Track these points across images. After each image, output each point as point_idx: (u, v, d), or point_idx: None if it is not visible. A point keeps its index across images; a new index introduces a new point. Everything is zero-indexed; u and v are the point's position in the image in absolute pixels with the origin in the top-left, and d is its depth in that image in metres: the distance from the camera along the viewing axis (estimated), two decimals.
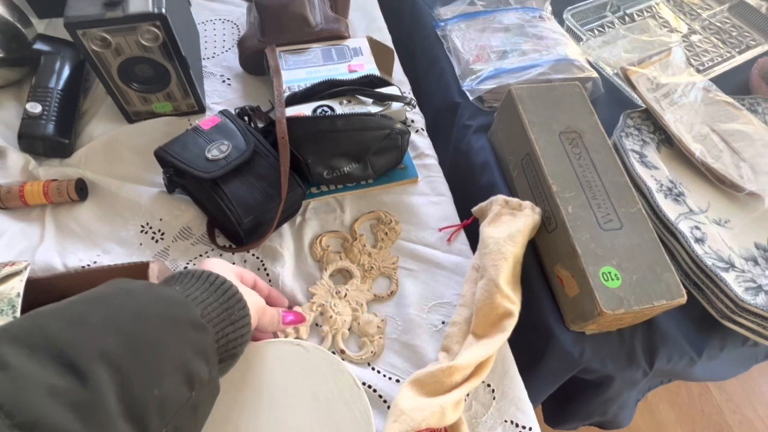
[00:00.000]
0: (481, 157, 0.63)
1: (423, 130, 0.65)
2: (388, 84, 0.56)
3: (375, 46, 0.66)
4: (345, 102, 0.54)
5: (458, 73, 0.70)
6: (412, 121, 0.65)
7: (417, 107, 0.67)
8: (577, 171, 0.52)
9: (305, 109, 0.53)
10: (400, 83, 0.70)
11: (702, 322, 0.51)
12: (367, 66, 0.62)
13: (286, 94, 0.57)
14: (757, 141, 0.61)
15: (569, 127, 0.55)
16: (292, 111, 0.53)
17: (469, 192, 0.63)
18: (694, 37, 0.84)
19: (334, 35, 0.65)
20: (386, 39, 0.76)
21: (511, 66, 0.68)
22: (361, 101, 0.54)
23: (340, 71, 0.62)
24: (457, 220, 0.58)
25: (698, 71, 0.75)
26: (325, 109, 0.53)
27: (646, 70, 0.64)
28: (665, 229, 0.53)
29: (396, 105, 0.54)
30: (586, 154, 0.54)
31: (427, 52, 0.77)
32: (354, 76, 0.57)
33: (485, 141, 0.65)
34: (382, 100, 0.53)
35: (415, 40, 0.81)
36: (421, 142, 0.64)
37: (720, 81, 0.75)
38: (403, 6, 0.85)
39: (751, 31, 0.85)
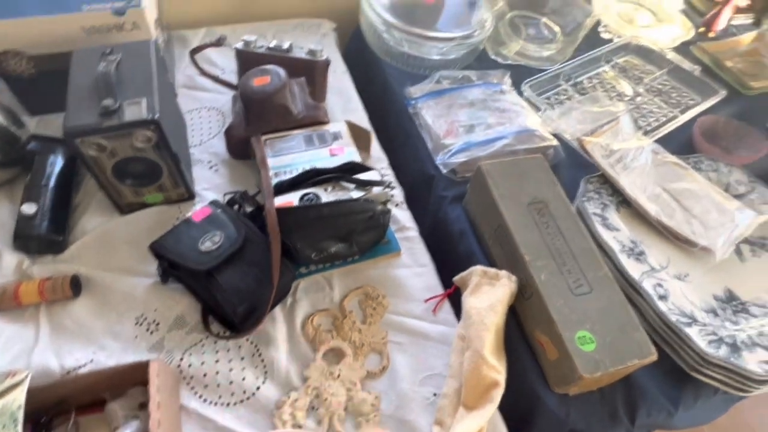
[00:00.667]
0: (458, 226, 0.68)
1: (403, 203, 0.70)
2: (368, 169, 0.60)
3: (353, 129, 0.71)
4: (330, 189, 0.58)
5: (430, 147, 0.76)
6: (392, 195, 0.70)
7: (396, 182, 0.72)
8: (547, 240, 0.57)
9: (293, 198, 0.57)
10: (378, 160, 0.75)
11: (675, 375, 0.54)
12: (346, 149, 0.67)
13: (274, 181, 0.61)
14: (704, 198, 0.67)
15: (536, 197, 0.61)
16: (281, 200, 0.57)
17: (448, 260, 0.67)
18: (639, 99, 0.93)
19: (315, 121, 0.70)
20: (362, 118, 0.82)
21: (479, 139, 0.74)
22: (344, 187, 0.58)
23: (322, 155, 0.66)
24: (440, 290, 0.61)
25: (646, 132, 0.83)
26: (312, 197, 0.57)
27: (599, 138, 0.70)
28: (631, 288, 0.57)
29: (377, 188, 0.58)
30: (553, 222, 0.59)
31: (400, 127, 0.83)
32: (336, 162, 0.62)
33: (461, 210, 0.69)
34: (364, 185, 0.58)
35: (389, 116, 0.87)
36: (401, 215, 0.68)
37: (667, 139, 0.83)
38: (376, 86, 0.91)
39: (689, 92, 0.95)
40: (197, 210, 0.58)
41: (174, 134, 0.62)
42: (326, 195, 0.57)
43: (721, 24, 1.08)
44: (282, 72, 0.68)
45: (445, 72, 0.85)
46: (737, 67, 1.01)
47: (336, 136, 0.69)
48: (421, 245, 0.65)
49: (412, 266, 0.63)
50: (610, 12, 1.09)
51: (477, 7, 0.92)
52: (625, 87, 0.95)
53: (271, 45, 0.76)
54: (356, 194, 0.57)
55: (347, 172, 0.60)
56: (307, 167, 0.62)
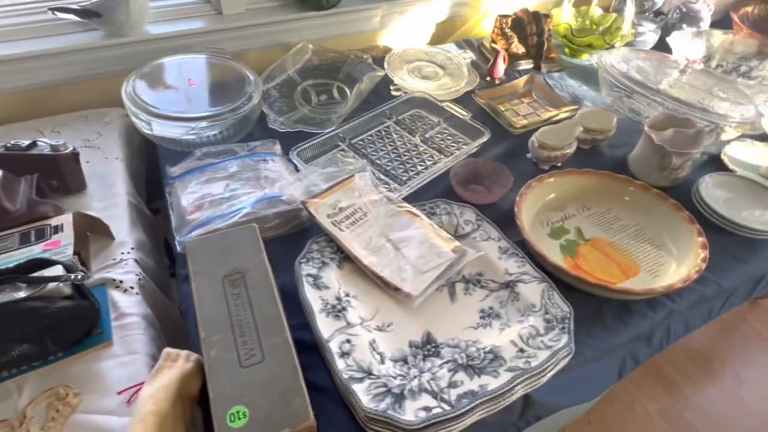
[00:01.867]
0: (184, 305, 0.67)
1: (132, 288, 0.69)
2: (52, 264, 0.59)
3: (83, 219, 0.71)
4: (7, 290, 0.57)
5: (174, 226, 0.76)
6: (121, 281, 0.69)
7: (136, 265, 0.72)
8: (232, 312, 0.57)
9: None
10: (122, 245, 0.75)
11: None
12: (63, 242, 0.67)
13: None
14: (423, 243, 0.70)
15: (234, 269, 0.61)
16: None
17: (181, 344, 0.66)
18: (419, 149, 0.99)
19: (38, 217, 0.70)
20: (121, 203, 0.82)
21: (222, 212, 0.75)
22: (17, 287, 0.57)
23: (35, 251, 0.65)
24: (145, 378, 0.59)
25: (403, 182, 0.87)
26: None
27: (325, 199, 0.73)
28: (322, 347, 0.57)
29: (53, 284, 0.57)
30: (245, 292, 0.59)
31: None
32: (23, 258, 0.61)
33: (188, 289, 0.69)
34: (38, 283, 0.57)
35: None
36: (125, 301, 0.67)
37: (433, 185, 0.89)
38: (158, 168, 0.93)
39: (464, 137, 1.02)
40: None
41: None
42: None
43: (499, 72, 1.18)
44: None
45: (206, 148, 0.88)
46: (512, 110, 1.11)
47: (57, 230, 0.68)
48: (140, 331, 0.64)
49: (121, 355, 0.61)
50: (401, 71, 1.18)
51: (247, 83, 0.97)
52: (407, 139, 1.01)
53: (9, 144, 0.77)
54: (24, 293, 0.56)
55: (30, 269, 0.58)
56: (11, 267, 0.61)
